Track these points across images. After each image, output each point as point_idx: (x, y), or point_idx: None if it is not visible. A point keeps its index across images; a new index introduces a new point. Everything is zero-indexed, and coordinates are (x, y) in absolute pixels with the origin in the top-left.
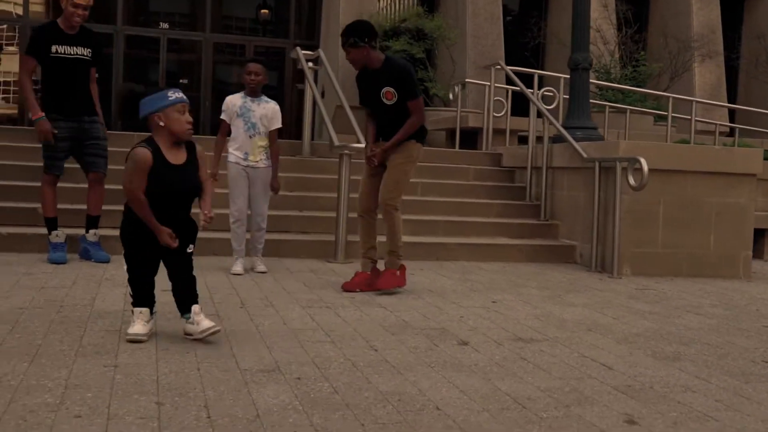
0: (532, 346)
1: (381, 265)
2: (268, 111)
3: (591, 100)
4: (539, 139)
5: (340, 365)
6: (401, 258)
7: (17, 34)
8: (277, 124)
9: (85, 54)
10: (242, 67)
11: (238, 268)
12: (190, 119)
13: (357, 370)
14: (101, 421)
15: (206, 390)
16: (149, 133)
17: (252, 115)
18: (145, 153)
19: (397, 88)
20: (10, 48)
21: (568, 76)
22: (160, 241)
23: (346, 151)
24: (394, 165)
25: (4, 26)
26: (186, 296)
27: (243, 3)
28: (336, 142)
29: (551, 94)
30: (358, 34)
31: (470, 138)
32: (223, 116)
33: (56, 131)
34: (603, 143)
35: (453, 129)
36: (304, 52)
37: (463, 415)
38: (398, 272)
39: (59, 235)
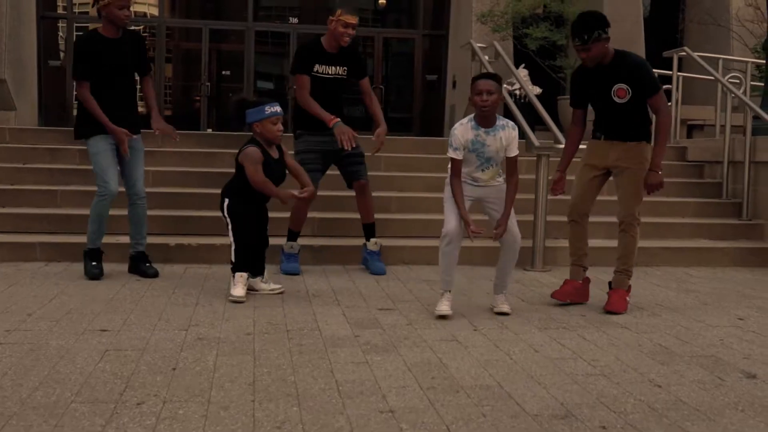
0: None
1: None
2: (505, 140)
3: (755, 83)
4: (722, 129)
5: (635, 407)
6: (630, 277)
7: (153, 32)
8: (514, 150)
9: (341, 73)
10: (474, 84)
11: (443, 307)
12: (281, 128)
13: (659, 415)
14: None
15: None
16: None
17: (486, 150)
18: (256, 150)
19: (632, 85)
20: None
21: (748, 60)
22: (285, 199)
23: (546, 152)
24: (631, 172)
25: (141, 26)
26: (262, 263)
27: None
28: (536, 143)
29: (738, 81)
30: (602, 25)
31: None
32: (453, 154)
33: (356, 133)
34: None
35: None
36: (479, 45)
37: None
38: (628, 294)
39: (294, 246)
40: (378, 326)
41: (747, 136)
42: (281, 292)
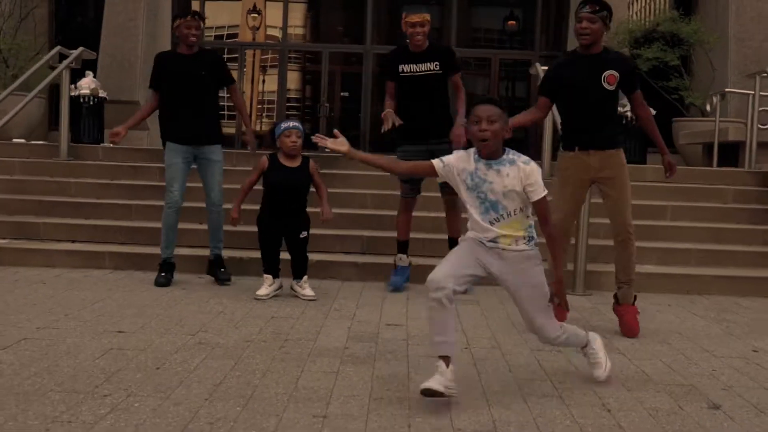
0: None
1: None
2: (514, 178)
3: None
4: None
5: (566, 429)
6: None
7: (276, 56)
8: (538, 193)
9: (432, 68)
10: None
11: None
12: (294, 140)
13: None
14: None
15: None
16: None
17: (489, 188)
18: (263, 158)
19: (621, 74)
20: (273, 70)
21: None
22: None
23: None
24: (619, 180)
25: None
26: (297, 269)
27: (488, 16)
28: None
29: None
30: (611, 13)
31: (731, 152)
32: (437, 162)
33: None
34: None
35: (711, 143)
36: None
37: None
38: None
39: (403, 259)
40: (375, 340)
41: None
42: (312, 299)
